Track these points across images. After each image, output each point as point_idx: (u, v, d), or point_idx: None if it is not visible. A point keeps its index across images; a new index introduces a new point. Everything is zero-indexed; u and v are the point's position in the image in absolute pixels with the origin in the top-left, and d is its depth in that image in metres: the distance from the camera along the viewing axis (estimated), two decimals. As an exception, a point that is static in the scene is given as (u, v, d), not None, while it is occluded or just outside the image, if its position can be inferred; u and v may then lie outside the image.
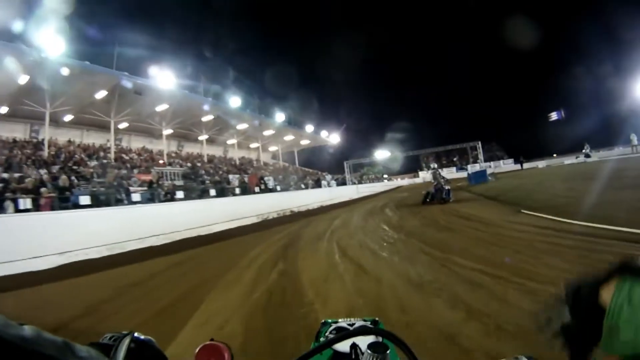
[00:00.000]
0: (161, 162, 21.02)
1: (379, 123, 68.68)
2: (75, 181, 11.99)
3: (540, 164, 35.84)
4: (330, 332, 0.82)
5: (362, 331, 0.56)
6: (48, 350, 0.32)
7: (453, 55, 62.78)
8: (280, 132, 33.28)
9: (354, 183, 31.35)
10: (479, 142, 41.78)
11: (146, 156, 21.46)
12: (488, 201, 11.13)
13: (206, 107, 23.60)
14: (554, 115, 38.06)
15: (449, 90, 65.33)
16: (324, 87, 64.22)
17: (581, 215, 5.41)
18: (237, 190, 18.30)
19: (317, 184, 23.41)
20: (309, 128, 38.61)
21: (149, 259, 7.03)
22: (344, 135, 44.68)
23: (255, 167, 28.45)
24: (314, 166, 42.29)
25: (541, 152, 38.34)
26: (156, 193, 12.89)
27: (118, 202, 10.93)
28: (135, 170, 16.80)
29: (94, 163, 15.91)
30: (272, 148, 38.52)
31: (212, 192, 15.51)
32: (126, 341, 0.46)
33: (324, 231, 8.68)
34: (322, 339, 0.81)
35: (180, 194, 13.62)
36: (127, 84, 17.49)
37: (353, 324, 0.85)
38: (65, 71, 14.45)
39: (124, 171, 15.42)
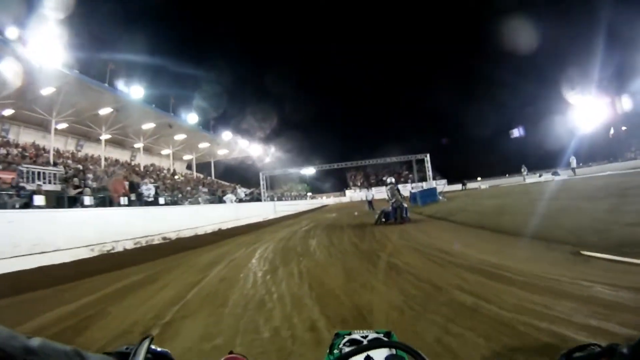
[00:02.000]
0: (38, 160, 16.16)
1: (305, 136, 63.75)
2: None
3: (482, 184, 34.95)
4: (344, 344, 0.80)
5: (378, 345, 0.61)
6: None
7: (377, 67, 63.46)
8: (193, 137, 29.18)
9: (272, 199, 25.38)
10: (427, 155, 32.64)
11: (30, 153, 17.40)
12: (470, 228, 7.83)
13: (105, 96, 19.43)
14: (515, 132, 37.79)
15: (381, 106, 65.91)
16: (244, 94, 57.68)
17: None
18: (87, 201, 11.47)
19: (219, 199, 17.35)
20: (226, 135, 32.73)
21: None
22: (266, 147, 39.59)
23: (127, 169, 21.13)
24: (234, 180, 36.89)
25: (469, 174, 38.52)
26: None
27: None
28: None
29: None
30: (187, 157, 33.47)
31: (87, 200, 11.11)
32: (143, 349, 0.45)
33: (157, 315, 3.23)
34: (335, 351, 0.78)
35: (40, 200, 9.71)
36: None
37: (366, 336, 0.83)
38: None
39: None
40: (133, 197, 12.32)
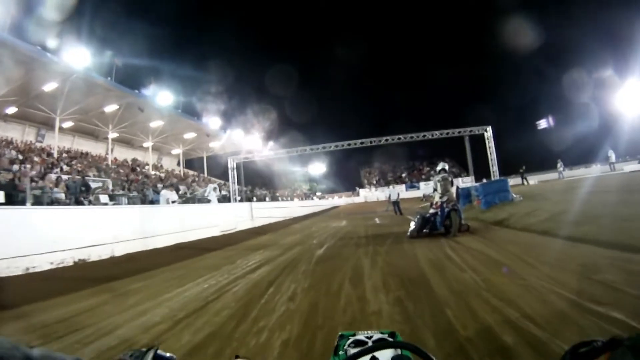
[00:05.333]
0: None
1: (310, 131, 55.82)
2: None
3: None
4: (349, 346, 0.79)
5: (384, 345, 0.61)
6: None
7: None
8: (175, 125, 24.11)
9: (250, 200, 18.07)
10: (488, 129, 18.79)
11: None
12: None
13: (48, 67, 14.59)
14: (542, 123, 32.41)
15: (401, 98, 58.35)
16: (237, 70, 49.14)
17: None
18: None
19: (150, 197, 11.84)
20: (214, 123, 27.16)
21: None
22: (266, 137, 33.64)
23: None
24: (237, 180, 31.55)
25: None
26: None
27: None
28: None
29: None
30: (176, 151, 29.12)
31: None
32: (149, 357, 0.45)
33: None
34: (340, 353, 0.77)
35: None
36: None
37: (371, 337, 0.82)
38: None
39: None
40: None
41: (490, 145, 18.50)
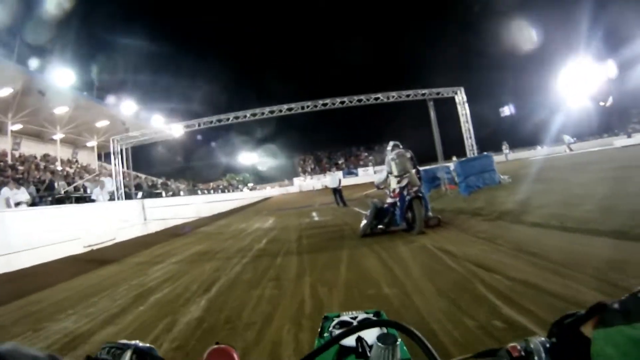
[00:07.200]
0: None
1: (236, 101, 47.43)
2: None
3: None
4: (334, 327, 0.78)
5: (369, 324, 0.57)
6: None
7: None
8: (83, 111, 19.96)
9: (144, 195, 12.81)
10: (460, 90, 14.51)
11: None
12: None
13: None
14: (505, 110, 31.94)
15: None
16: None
17: None
18: None
19: None
20: (129, 108, 22.45)
21: None
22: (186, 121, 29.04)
23: None
24: (153, 170, 28.34)
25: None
26: None
27: None
28: None
29: None
30: (91, 143, 24.93)
31: None
32: (127, 355, 0.44)
33: None
34: (326, 335, 0.77)
35: None
36: None
37: (356, 317, 0.81)
38: None
39: None
40: None
41: (465, 112, 13.76)
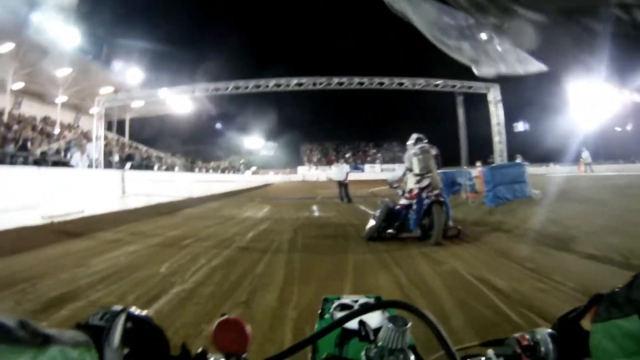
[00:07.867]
0: None
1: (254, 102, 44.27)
2: None
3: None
4: (335, 309, 0.78)
5: (373, 307, 0.56)
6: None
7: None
8: (86, 74, 19.02)
9: (132, 167, 11.56)
10: (496, 87, 13.39)
11: None
12: None
13: None
14: (519, 126, 30.61)
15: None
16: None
17: None
18: None
19: None
20: (135, 76, 21.22)
21: None
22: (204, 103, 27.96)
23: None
24: (159, 144, 27.49)
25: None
26: None
27: None
28: None
29: None
30: (93, 110, 22.34)
31: None
32: (120, 320, 0.40)
33: None
34: (327, 316, 0.78)
35: None
36: None
37: (356, 301, 0.81)
38: None
39: None
40: None
41: (498, 112, 12.12)
